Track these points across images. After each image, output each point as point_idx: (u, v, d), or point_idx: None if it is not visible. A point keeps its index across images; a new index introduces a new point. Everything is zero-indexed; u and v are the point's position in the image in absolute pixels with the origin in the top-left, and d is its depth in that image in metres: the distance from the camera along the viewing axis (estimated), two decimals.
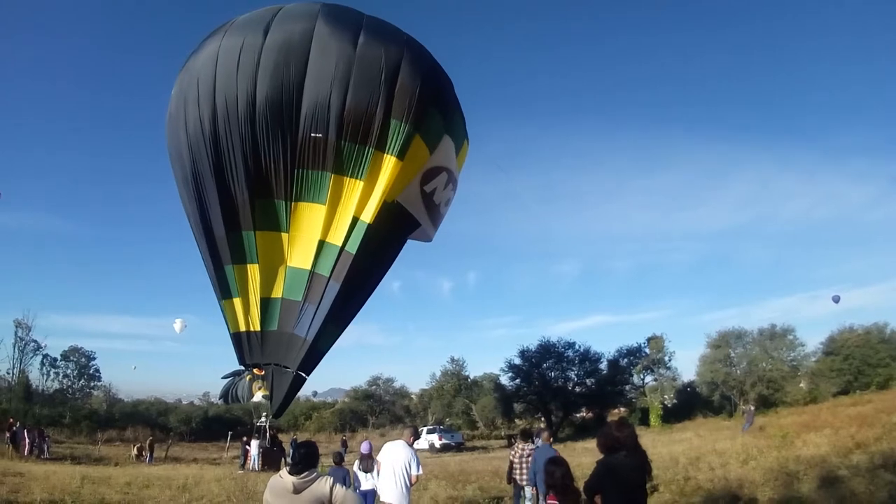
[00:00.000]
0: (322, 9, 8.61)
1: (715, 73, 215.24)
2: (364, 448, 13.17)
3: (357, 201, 8.52)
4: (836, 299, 59.90)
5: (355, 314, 9.60)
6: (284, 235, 8.79)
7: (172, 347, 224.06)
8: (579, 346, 63.66)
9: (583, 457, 15.81)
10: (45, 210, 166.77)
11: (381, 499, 9.98)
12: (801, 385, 56.92)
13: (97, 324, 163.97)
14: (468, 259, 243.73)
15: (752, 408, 42.02)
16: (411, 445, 10.31)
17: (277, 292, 8.93)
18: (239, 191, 8.55)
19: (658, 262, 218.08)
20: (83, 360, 67.83)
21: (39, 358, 62.36)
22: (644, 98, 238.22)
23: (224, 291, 9.07)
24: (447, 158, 9.35)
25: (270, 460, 31.44)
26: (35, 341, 60.50)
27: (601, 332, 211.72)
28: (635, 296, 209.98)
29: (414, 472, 9.73)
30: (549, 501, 6.57)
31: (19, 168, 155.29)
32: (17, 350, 59.00)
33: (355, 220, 8.53)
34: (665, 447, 25.84)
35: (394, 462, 9.74)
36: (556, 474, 6.52)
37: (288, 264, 8.87)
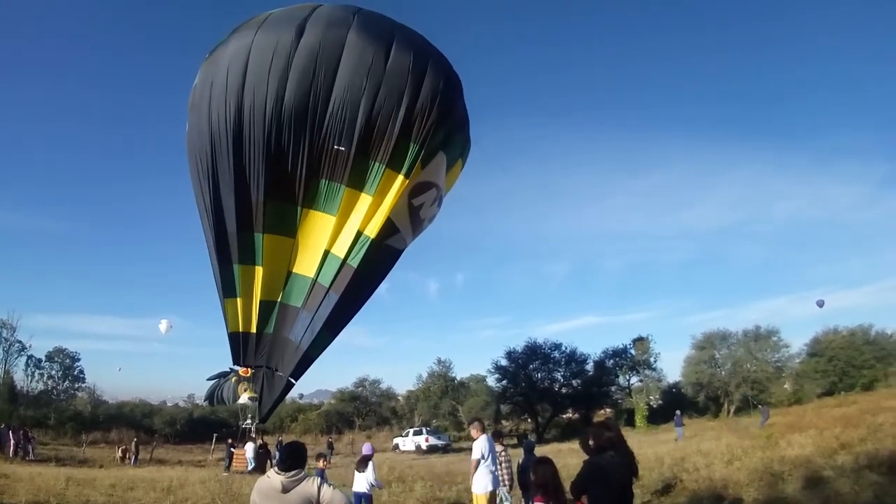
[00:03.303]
0: (357, 19, 8.53)
1: (705, 75, 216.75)
2: (366, 449, 13.18)
3: (364, 216, 8.54)
4: (821, 304, 60.41)
5: (347, 324, 9.60)
6: (291, 241, 8.77)
7: (157, 348, 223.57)
8: (566, 348, 64.26)
9: (569, 457, 15.82)
10: (30, 210, 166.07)
11: (487, 488, 10.78)
12: (786, 386, 57.36)
13: (82, 324, 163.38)
14: (456, 260, 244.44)
15: (767, 405, 42.47)
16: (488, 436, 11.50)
17: (277, 296, 8.92)
18: (255, 191, 8.52)
19: (647, 262, 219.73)
20: (68, 361, 67.35)
21: (24, 359, 62.17)
22: (634, 99, 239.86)
23: (228, 290, 9.02)
24: (437, 174, 9.34)
25: (256, 463, 31.30)
26: (20, 342, 60.38)
27: (588, 333, 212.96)
28: (623, 297, 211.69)
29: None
30: (536, 502, 6.57)
31: (3, 167, 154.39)
32: (1, 351, 58.84)
33: (359, 234, 8.54)
34: (650, 447, 25.92)
35: (492, 452, 11.04)
36: (543, 474, 6.53)
37: (292, 270, 8.85)
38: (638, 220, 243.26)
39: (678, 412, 44.03)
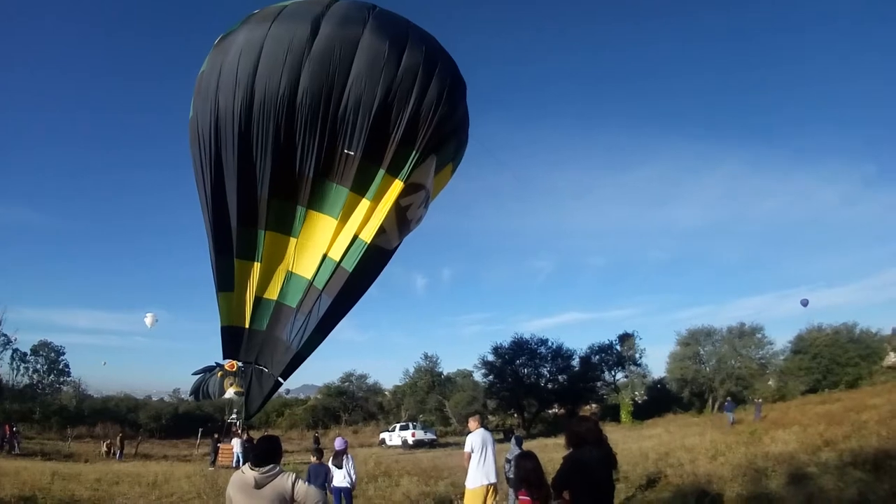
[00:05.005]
0: (371, 19, 8.48)
1: (690, 72, 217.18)
2: (338, 444, 13.12)
3: (361, 220, 8.50)
4: (805, 303, 60.87)
5: (337, 324, 9.58)
6: (293, 240, 8.69)
7: (142, 343, 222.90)
8: (552, 343, 64.53)
9: (554, 452, 15.91)
10: (15, 202, 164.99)
11: (480, 482, 10.76)
12: (770, 383, 57.80)
13: (67, 318, 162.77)
14: (443, 255, 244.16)
15: (760, 400, 42.83)
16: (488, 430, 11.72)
17: (273, 294, 8.84)
18: (260, 186, 8.42)
19: (631, 259, 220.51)
20: (53, 354, 67.02)
21: (9, 352, 61.73)
22: (620, 95, 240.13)
23: (224, 284, 8.94)
24: (426, 177, 9.26)
25: (244, 458, 31.28)
26: (5, 335, 59.82)
27: (574, 329, 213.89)
28: (608, 293, 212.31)
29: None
30: (520, 497, 6.61)
31: None
32: None
33: (355, 238, 8.50)
34: (635, 443, 26.09)
35: (487, 446, 11.02)
36: (525, 468, 6.57)
37: (290, 270, 8.80)
38: (622, 217, 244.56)
39: (729, 398, 44.34)
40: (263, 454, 5.51)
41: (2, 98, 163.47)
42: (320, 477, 11.86)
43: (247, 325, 8.93)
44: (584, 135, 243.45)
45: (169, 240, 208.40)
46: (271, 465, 5.43)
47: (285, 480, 5.36)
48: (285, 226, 8.66)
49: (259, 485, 5.26)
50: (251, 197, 8.51)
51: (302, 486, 5.38)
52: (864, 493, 11.49)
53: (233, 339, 9.04)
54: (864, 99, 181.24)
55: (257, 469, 5.34)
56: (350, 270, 8.50)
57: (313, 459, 13.20)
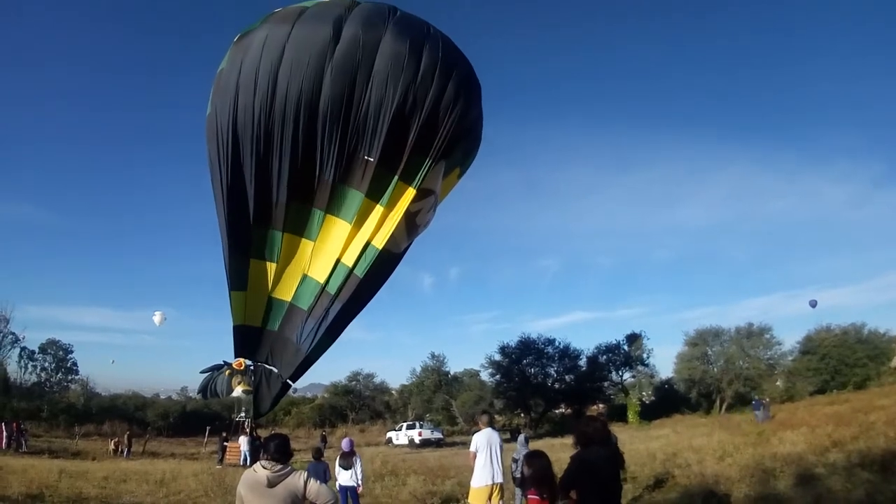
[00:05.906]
0: (391, 23, 8.44)
1: (697, 71, 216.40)
2: (345, 445, 13.17)
3: (374, 227, 8.48)
4: (813, 304, 60.76)
5: (346, 327, 9.55)
6: (310, 243, 8.68)
7: (150, 341, 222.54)
8: (559, 343, 64.49)
9: (561, 452, 15.90)
10: (23, 200, 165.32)
11: (485, 481, 10.81)
12: (778, 383, 57.65)
13: (75, 316, 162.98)
14: (450, 254, 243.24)
15: (767, 399, 42.75)
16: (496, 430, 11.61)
17: (287, 295, 8.84)
18: (278, 188, 8.38)
19: (638, 259, 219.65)
20: (61, 353, 67.16)
21: (17, 351, 61.84)
22: (626, 94, 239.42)
23: (238, 283, 8.91)
24: (435, 182, 9.24)
25: (251, 456, 31.31)
26: (13, 333, 59.95)
27: (581, 328, 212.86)
28: (615, 293, 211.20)
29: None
30: (529, 496, 6.62)
31: None
32: None
33: (367, 245, 8.50)
34: (642, 443, 26.02)
35: (492, 446, 10.99)
36: (543, 465, 6.59)
37: (305, 272, 8.79)
38: (630, 217, 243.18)
39: (756, 398, 44.27)
40: (274, 453, 5.51)
41: (8, 94, 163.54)
42: (318, 476, 11.91)
43: (260, 325, 8.92)
44: (591, 134, 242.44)
45: (177, 237, 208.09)
46: (283, 464, 5.44)
47: (297, 479, 5.36)
48: (303, 228, 8.64)
49: (271, 483, 5.27)
50: (269, 198, 8.48)
51: (314, 485, 5.39)
52: (871, 494, 11.47)
53: (245, 339, 9.02)
54: (874, 98, 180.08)
55: (270, 468, 5.34)
56: (361, 277, 8.50)
57: (311, 459, 13.31)
